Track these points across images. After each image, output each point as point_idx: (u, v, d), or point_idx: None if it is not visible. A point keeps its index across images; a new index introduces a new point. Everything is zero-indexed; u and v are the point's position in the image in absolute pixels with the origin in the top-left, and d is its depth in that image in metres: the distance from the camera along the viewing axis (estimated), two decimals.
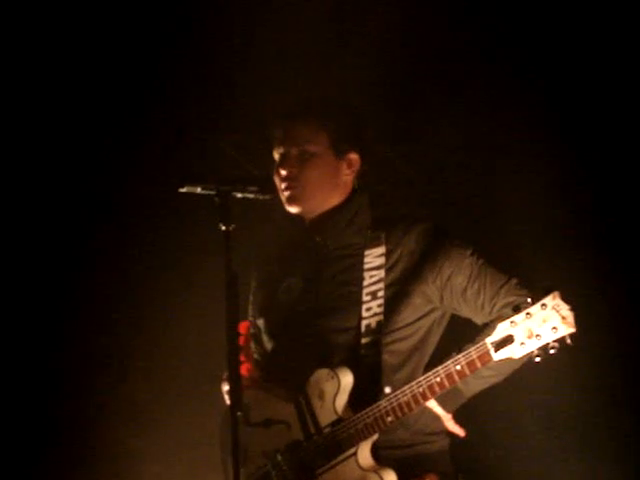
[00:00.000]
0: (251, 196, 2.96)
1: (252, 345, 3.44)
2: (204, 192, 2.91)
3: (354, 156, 3.34)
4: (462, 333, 3.23)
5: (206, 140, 3.84)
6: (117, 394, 4.38)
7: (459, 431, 3.22)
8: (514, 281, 3.20)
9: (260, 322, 3.44)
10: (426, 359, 3.27)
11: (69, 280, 4.35)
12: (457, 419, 3.22)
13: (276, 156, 3.35)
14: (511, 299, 3.14)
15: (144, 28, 4.19)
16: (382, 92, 4.00)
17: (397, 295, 3.24)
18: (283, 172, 3.30)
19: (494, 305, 3.18)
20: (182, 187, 2.91)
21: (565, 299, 2.91)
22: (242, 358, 3.27)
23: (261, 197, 2.97)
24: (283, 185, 3.30)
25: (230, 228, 2.88)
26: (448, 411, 3.19)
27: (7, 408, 4.42)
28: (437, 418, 3.20)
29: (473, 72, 3.95)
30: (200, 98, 4.15)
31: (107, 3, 4.17)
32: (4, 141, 4.32)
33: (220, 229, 2.88)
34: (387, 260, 3.26)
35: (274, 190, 3.08)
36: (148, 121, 4.20)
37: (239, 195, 2.93)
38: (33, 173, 4.34)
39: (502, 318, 3.01)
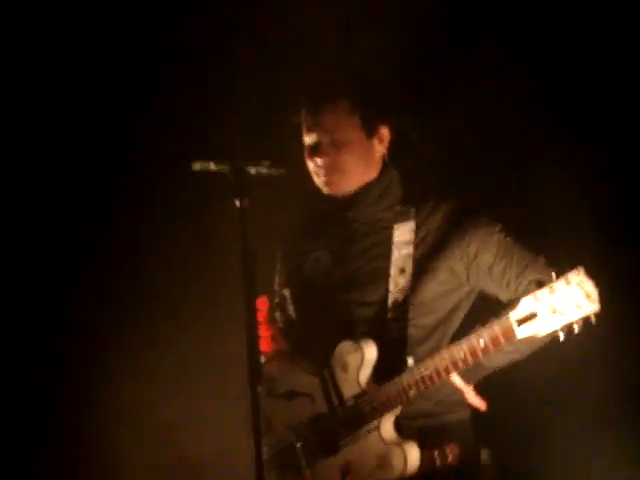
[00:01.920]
0: (264, 171, 2.95)
1: (277, 314, 3.47)
2: (217, 169, 2.92)
3: (384, 130, 3.34)
4: (489, 309, 3.20)
5: (219, 118, 3.82)
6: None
7: (480, 403, 3.21)
8: (542, 259, 3.18)
9: (286, 292, 3.47)
10: (450, 333, 3.26)
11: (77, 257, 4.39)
12: (480, 391, 3.21)
13: (306, 141, 3.34)
14: (537, 277, 3.11)
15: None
16: (407, 70, 3.98)
17: (424, 270, 3.24)
18: (318, 160, 3.31)
19: (520, 283, 3.16)
20: (195, 164, 2.93)
21: (590, 275, 2.87)
22: (263, 332, 3.31)
23: (275, 172, 2.97)
24: (319, 172, 3.32)
25: (245, 204, 2.89)
26: (468, 383, 3.18)
27: None
28: (458, 389, 3.19)
29: (501, 55, 3.89)
30: (214, 77, 4.16)
31: None
32: None
33: (235, 205, 2.89)
34: (416, 235, 3.26)
35: (287, 164, 3.06)
36: (158, 99, 4.23)
37: (252, 170, 2.93)
38: (31, 158, 4.37)
39: (527, 295, 2.99)
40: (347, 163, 3.29)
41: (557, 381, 3.85)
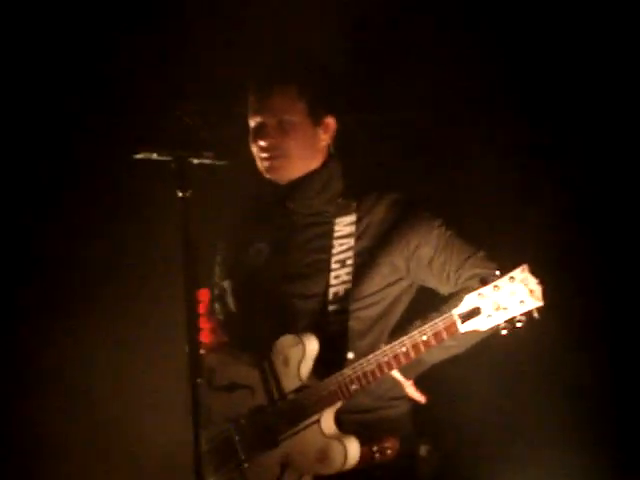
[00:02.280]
0: (208, 162, 2.94)
1: (216, 306, 3.44)
2: (160, 158, 2.90)
3: (330, 120, 3.33)
4: (427, 302, 3.24)
5: (161, 107, 3.80)
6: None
7: (420, 397, 3.24)
8: (481, 254, 3.20)
9: (226, 284, 3.44)
10: (391, 327, 3.26)
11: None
12: (419, 384, 3.23)
13: (252, 124, 3.32)
14: (477, 271, 3.14)
15: None
16: (355, 59, 3.97)
17: (365, 264, 3.24)
18: (262, 143, 3.28)
19: (459, 276, 3.18)
20: (137, 153, 2.90)
21: (534, 273, 2.89)
22: (203, 324, 3.29)
23: (217, 162, 2.96)
24: (263, 155, 3.29)
25: (187, 194, 2.88)
26: (408, 378, 3.20)
27: None
28: (398, 384, 3.21)
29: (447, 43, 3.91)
30: (157, 64, 4.11)
31: None
32: None
33: (177, 195, 2.87)
34: (357, 228, 3.26)
35: (231, 155, 3.05)
36: (102, 87, 4.16)
37: (195, 161, 2.92)
38: None
39: (468, 289, 3.01)
40: (291, 147, 3.27)
41: (497, 375, 3.88)
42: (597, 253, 3.86)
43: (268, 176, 3.32)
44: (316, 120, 3.30)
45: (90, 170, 4.20)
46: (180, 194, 2.86)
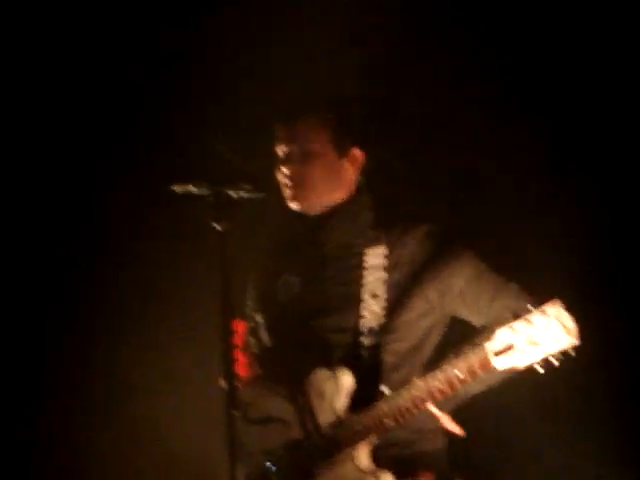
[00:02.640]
0: (245, 195, 2.96)
1: (251, 340, 3.44)
2: (197, 191, 2.92)
3: (357, 152, 3.34)
4: (462, 334, 3.23)
5: (199, 139, 3.83)
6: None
7: (457, 430, 3.21)
8: (513, 285, 3.20)
9: (259, 317, 3.44)
10: (424, 359, 3.25)
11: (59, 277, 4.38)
12: (456, 418, 3.20)
13: (279, 154, 3.35)
14: (509, 302, 3.14)
15: (135, 20, 4.20)
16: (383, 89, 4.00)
17: (397, 295, 3.23)
18: (286, 171, 3.31)
19: (492, 307, 3.18)
20: (174, 186, 2.92)
21: (568, 309, 2.87)
22: (239, 356, 3.29)
23: (255, 196, 2.97)
24: (286, 182, 3.31)
25: (224, 227, 2.89)
26: (444, 411, 3.17)
27: None
28: (434, 417, 3.18)
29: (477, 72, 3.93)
30: (193, 97, 4.16)
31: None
32: None
33: (214, 229, 2.89)
34: (387, 260, 3.26)
35: (268, 188, 3.07)
36: (138, 119, 4.21)
37: (233, 194, 2.94)
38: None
39: (501, 321, 2.99)
40: (313, 176, 3.28)
41: (533, 410, 3.86)
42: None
43: (291, 205, 3.32)
44: (341, 151, 3.32)
45: (129, 203, 4.23)
46: (218, 227, 2.89)
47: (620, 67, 3.83)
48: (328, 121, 3.30)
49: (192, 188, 2.91)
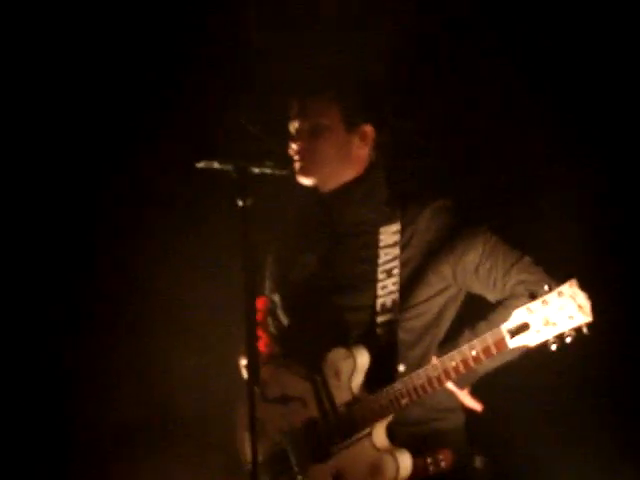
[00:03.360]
0: (268, 171, 2.98)
1: (269, 319, 3.44)
2: (221, 167, 2.93)
3: (368, 128, 3.33)
4: (476, 309, 3.24)
5: (223, 115, 3.84)
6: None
7: (476, 406, 3.22)
8: (527, 259, 3.19)
9: (275, 297, 3.44)
10: (441, 336, 3.26)
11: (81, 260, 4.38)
12: (474, 393, 3.22)
13: (291, 130, 3.36)
14: (523, 277, 3.14)
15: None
16: (400, 65, 3.99)
17: (411, 273, 3.23)
18: (294, 145, 3.32)
19: (506, 282, 3.17)
20: (199, 162, 2.93)
21: (582, 287, 2.88)
22: (260, 333, 3.29)
23: (278, 172, 2.99)
24: (295, 157, 3.31)
25: (247, 203, 2.90)
26: (461, 388, 3.19)
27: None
28: (452, 394, 3.20)
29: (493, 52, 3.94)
30: (218, 73, 4.16)
31: None
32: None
33: (237, 204, 2.89)
34: (402, 237, 3.26)
35: (291, 165, 3.08)
36: (162, 98, 4.21)
37: (256, 170, 2.95)
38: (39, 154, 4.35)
39: (516, 297, 3.05)
40: (321, 150, 3.29)
41: (552, 388, 3.86)
42: None
43: (300, 179, 3.32)
44: (349, 126, 3.31)
45: (153, 179, 4.24)
46: (240, 203, 2.89)
47: None
48: (337, 96, 3.31)
49: (216, 164, 2.92)
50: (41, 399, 4.37)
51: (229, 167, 2.91)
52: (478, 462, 3.27)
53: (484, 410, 3.21)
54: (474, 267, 3.21)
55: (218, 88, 4.12)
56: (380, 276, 3.24)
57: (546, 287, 2.92)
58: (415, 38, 3.98)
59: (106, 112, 4.28)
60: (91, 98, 4.29)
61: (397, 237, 3.26)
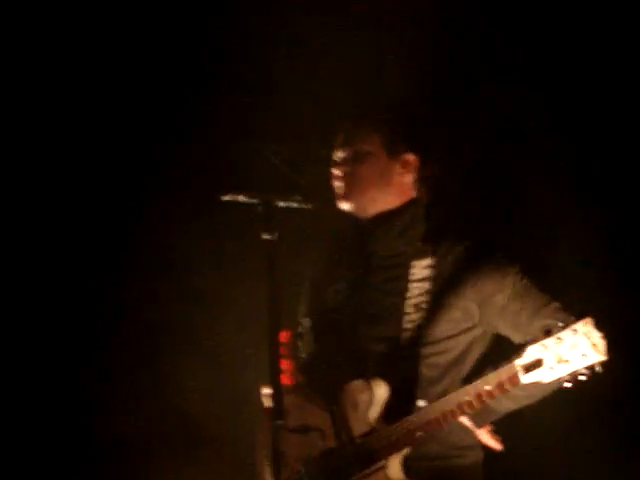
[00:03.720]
0: (294, 205, 2.99)
1: (299, 343, 3.45)
2: (246, 201, 2.94)
3: (410, 157, 3.34)
4: (503, 351, 3.21)
5: (249, 149, 3.84)
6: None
7: (495, 444, 3.23)
8: (555, 304, 3.19)
9: (306, 322, 3.46)
10: (463, 376, 3.25)
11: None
12: (496, 432, 3.23)
13: (334, 160, 3.38)
14: (549, 322, 3.09)
15: (183, 28, 4.21)
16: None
17: (438, 309, 3.24)
18: (336, 171, 3.35)
19: (531, 325, 3.16)
20: (224, 196, 2.94)
21: (597, 326, 2.88)
22: (284, 366, 3.29)
23: (304, 206, 2.99)
24: (336, 182, 3.34)
25: (273, 237, 2.91)
26: (480, 426, 3.20)
27: None
28: (471, 433, 3.21)
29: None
30: (243, 106, 4.18)
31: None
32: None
33: (262, 238, 2.90)
34: (432, 272, 3.26)
35: (317, 199, 3.08)
36: (188, 128, 4.24)
37: (282, 204, 2.95)
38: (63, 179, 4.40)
39: (534, 341, 3.01)
40: (362, 174, 3.30)
41: (569, 426, 3.86)
42: None
43: (340, 205, 3.34)
44: (392, 153, 3.32)
45: (178, 212, 4.25)
46: (266, 237, 2.90)
47: None
48: (381, 123, 3.33)
49: (242, 197, 2.93)
50: (64, 415, 4.40)
51: (255, 201, 2.93)
52: None
53: (503, 447, 3.21)
54: (501, 307, 3.21)
55: (244, 121, 4.13)
56: (407, 309, 3.25)
57: (559, 324, 2.92)
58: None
59: (125, 145, 4.31)
60: (115, 128, 4.33)
61: (428, 272, 3.26)
